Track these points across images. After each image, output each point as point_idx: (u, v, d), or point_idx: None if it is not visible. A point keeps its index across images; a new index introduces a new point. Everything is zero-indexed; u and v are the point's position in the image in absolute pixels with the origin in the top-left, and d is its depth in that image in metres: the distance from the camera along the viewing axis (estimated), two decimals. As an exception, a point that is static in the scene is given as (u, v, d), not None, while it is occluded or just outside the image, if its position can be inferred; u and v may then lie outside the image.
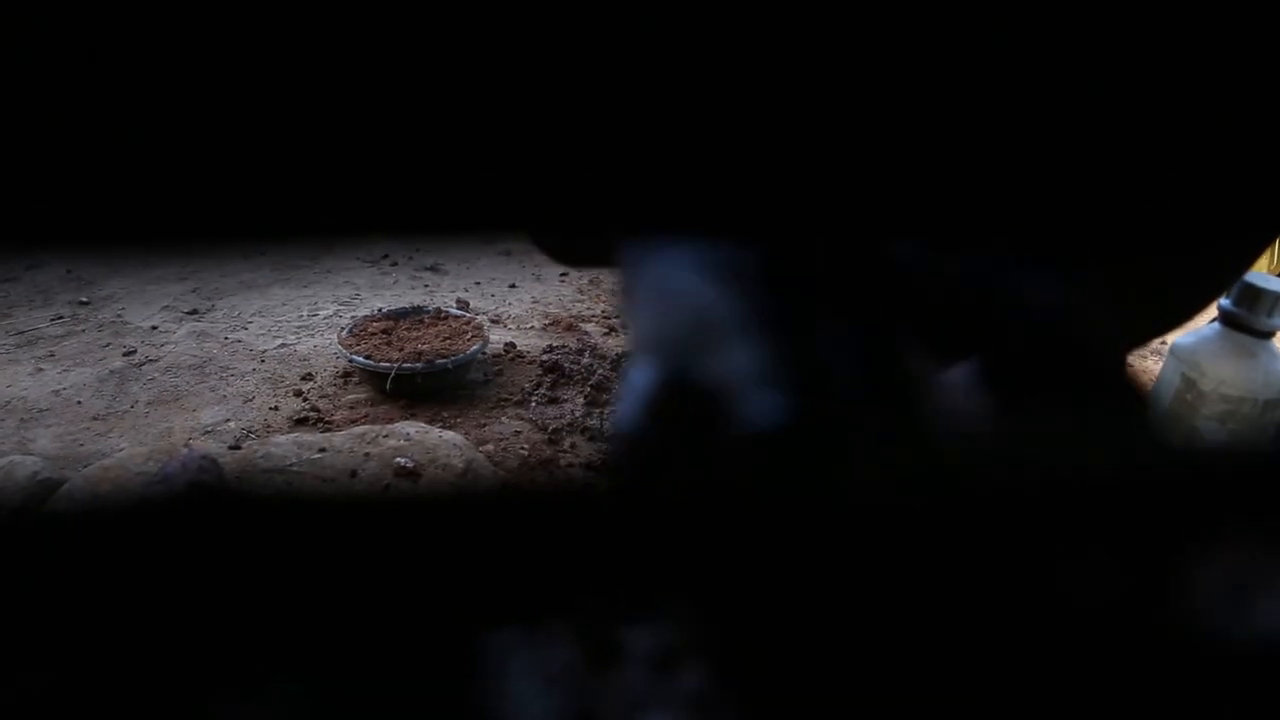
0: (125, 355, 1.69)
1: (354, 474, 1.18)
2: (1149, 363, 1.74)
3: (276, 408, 1.50)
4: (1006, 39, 0.21)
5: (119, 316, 1.88)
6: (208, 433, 1.43)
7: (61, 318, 1.85)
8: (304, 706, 0.15)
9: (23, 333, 1.78)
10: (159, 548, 0.17)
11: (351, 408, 1.50)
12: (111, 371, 1.62)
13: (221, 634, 0.16)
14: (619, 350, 1.68)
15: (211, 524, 0.17)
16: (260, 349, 1.74)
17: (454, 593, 0.16)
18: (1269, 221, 0.26)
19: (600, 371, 1.58)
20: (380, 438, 1.31)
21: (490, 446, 1.38)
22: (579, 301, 2.01)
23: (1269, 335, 1.03)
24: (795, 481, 0.21)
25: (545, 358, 1.64)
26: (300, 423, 1.45)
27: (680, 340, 0.26)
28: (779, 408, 0.24)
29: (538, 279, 2.15)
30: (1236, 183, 0.23)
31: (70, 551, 0.17)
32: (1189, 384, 1.07)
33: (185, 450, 1.28)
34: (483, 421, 1.46)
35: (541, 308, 1.97)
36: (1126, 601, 0.20)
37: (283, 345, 1.76)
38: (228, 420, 1.46)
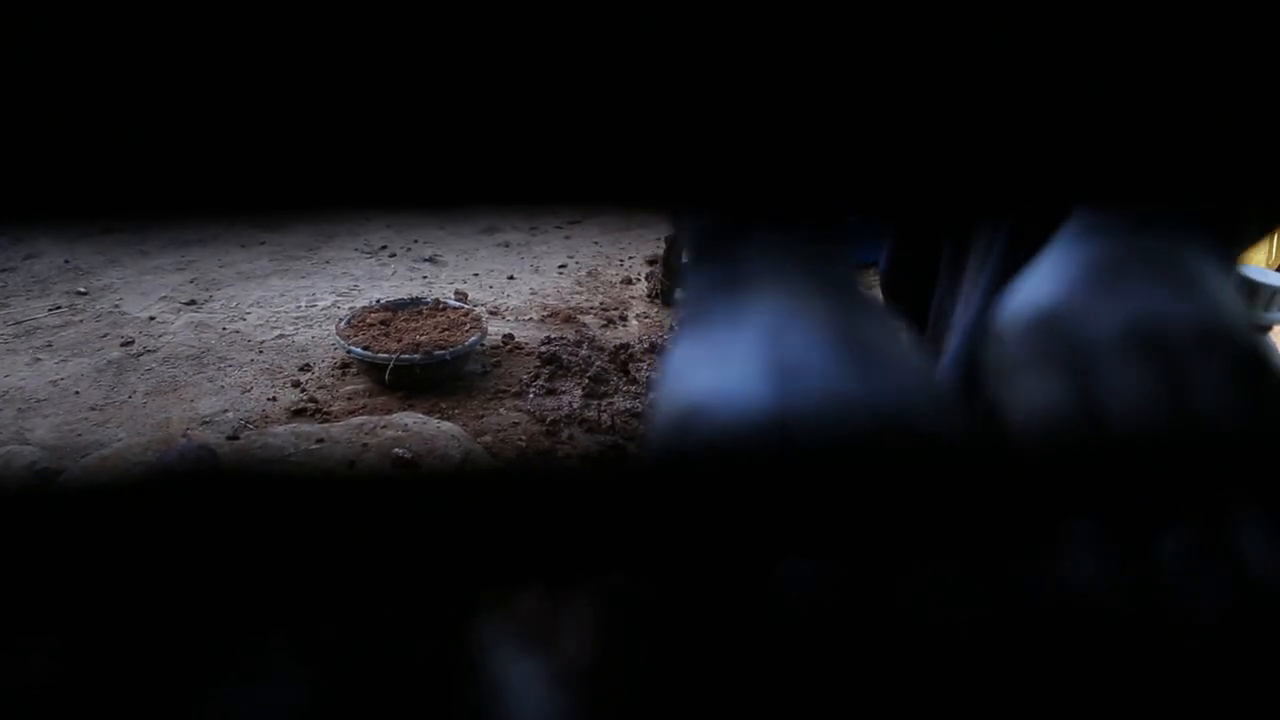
0: (123, 345, 1.69)
1: (352, 464, 1.18)
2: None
3: (274, 398, 1.50)
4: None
5: (117, 307, 1.87)
6: (205, 423, 1.43)
7: (59, 308, 1.85)
8: (298, 679, 0.15)
9: (20, 323, 1.78)
10: (158, 524, 0.17)
11: (349, 399, 1.50)
12: (109, 362, 1.62)
13: (219, 610, 0.16)
14: (617, 342, 1.68)
15: (208, 502, 0.17)
16: (258, 340, 1.73)
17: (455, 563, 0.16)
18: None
19: (598, 363, 1.58)
20: (378, 428, 1.32)
21: (488, 437, 1.38)
22: (577, 293, 2.01)
23: (1266, 330, 1.03)
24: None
25: (543, 349, 1.64)
26: (298, 413, 1.45)
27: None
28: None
29: (536, 271, 2.14)
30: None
31: (73, 527, 0.17)
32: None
33: (183, 440, 1.28)
34: (481, 413, 1.46)
35: (540, 299, 1.97)
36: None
37: (280, 336, 1.76)
38: (225, 411, 1.46)
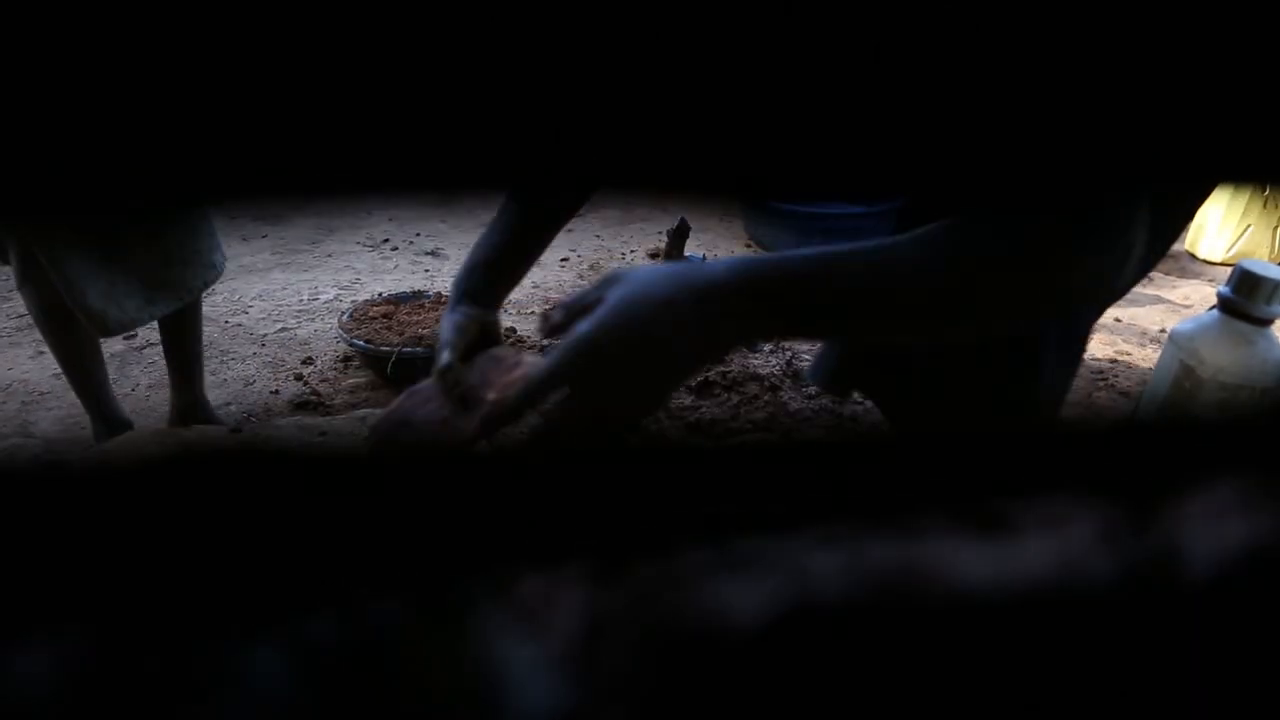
0: (126, 339, 1.69)
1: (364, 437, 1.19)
2: (1148, 350, 1.74)
3: (277, 391, 1.50)
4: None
5: (119, 300, 1.87)
6: (208, 416, 1.43)
7: (62, 301, 1.85)
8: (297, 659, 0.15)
9: (23, 316, 1.78)
10: (170, 505, 0.17)
11: (352, 392, 1.50)
12: (112, 355, 1.62)
13: (209, 602, 0.16)
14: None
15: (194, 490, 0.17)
16: (260, 333, 1.74)
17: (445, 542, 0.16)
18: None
19: (600, 357, 1.58)
20: (380, 422, 1.32)
21: (490, 431, 1.38)
22: (579, 287, 2.01)
23: (1268, 323, 1.03)
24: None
25: (545, 343, 1.64)
26: (301, 406, 1.45)
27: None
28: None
29: (538, 264, 2.14)
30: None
31: (87, 509, 0.17)
32: (1187, 371, 1.07)
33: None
34: (483, 406, 1.47)
35: (542, 293, 1.97)
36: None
37: (283, 329, 1.76)
38: (228, 404, 1.47)
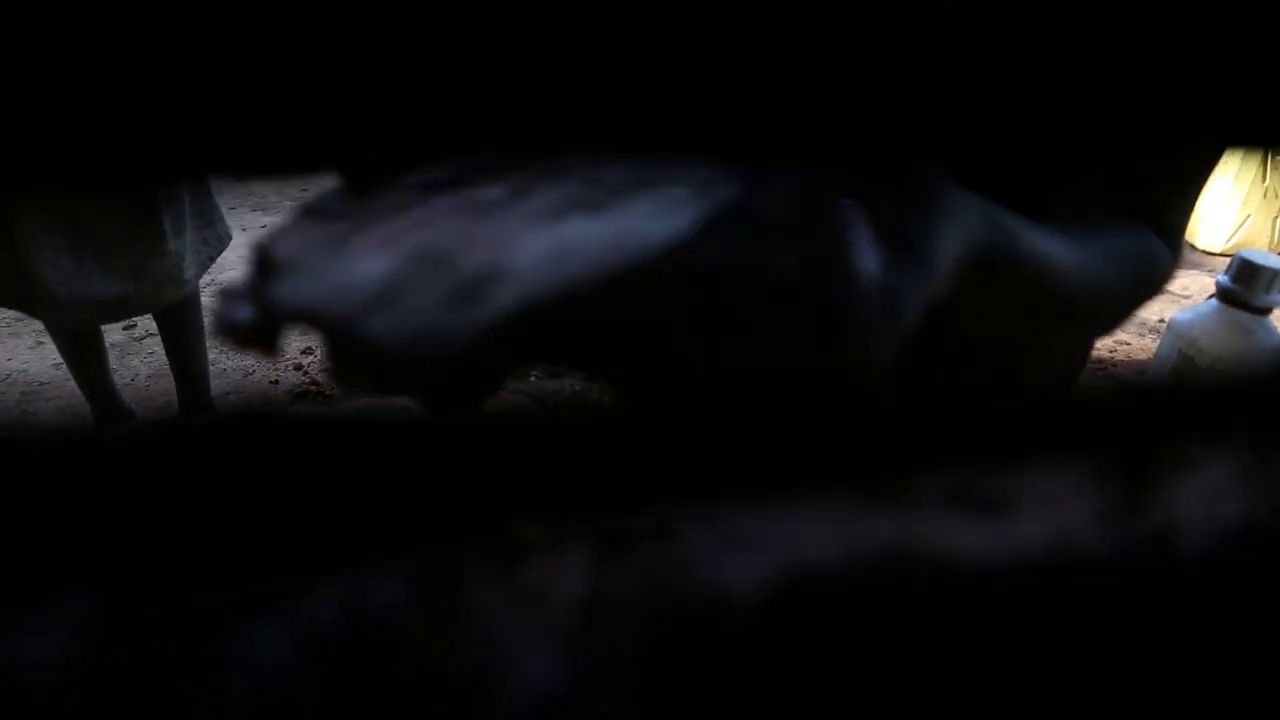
0: (125, 329, 1.69)
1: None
2: (1146, 340, 1.74)
3: (276, 381, 1.50)
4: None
5: (118, 290, 1.87)
6: (208, 406, 1.43)
7: (61, 291, 1.85)
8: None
9: (22, 306, 1.78)
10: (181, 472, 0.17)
11: (351, 382, 1.50)
12: (111, 345, 1.62)
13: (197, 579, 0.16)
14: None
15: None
16: (260, 323, 1.73)
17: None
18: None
19: (599, 347, 1.58)
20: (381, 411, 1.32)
21: (490, 421, 1.39)
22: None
23: (1266, 312, 1.03)
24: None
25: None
26: (300, 396, 1.45)
27: None
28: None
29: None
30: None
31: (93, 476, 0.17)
32: (1186, 361, 1.08)
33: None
34: (482, 396, 1.47)
35: (541, 283, 1.97)
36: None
37: (282, 320, 1.76)
38: (228, 394, 1.47)
